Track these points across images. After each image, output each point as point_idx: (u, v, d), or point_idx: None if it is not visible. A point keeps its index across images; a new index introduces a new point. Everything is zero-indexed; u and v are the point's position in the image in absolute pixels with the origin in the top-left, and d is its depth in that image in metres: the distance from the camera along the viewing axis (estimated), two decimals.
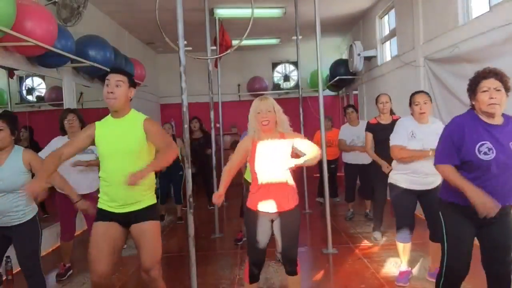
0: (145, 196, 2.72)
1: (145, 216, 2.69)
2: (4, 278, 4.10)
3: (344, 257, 4.43)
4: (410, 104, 3.49)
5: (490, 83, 2.32)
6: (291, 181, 2.88)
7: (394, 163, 3.65)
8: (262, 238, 2.84)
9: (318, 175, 6.54)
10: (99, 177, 2.74)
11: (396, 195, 3.57)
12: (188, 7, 4.04)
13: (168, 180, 6.45)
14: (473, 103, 2.42)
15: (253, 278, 2.94)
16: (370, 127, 4.75)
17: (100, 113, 4.93)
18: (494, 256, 2.45)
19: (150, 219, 2.72)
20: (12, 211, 2.98)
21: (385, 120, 4.69)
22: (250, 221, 2.87)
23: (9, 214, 2.98)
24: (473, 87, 2.40)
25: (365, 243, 4.88)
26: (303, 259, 4.67)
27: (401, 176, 3.51)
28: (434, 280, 3.47)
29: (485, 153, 2.28)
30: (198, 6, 5.60)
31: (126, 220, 2.69)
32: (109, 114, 2.74)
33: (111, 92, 2.59)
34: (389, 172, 3.79)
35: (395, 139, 3.48)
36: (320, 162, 4.78)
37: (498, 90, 2.30)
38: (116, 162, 2.61)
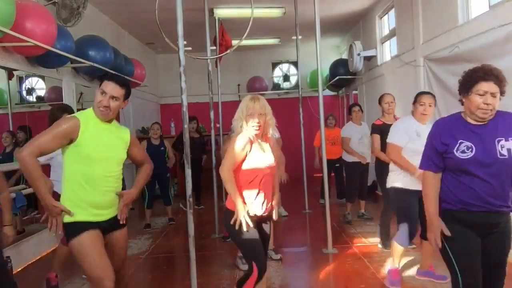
0: (117, 201, 2.65)
1: (119, 222, 2.63)
2: None
3: (344, 257, 4.42)
4: (414, 102, 3.45)
5: (488, 87, 2.13)
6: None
7: (391, 164, 3.62)
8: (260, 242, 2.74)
9: (321, 174, 6.52)
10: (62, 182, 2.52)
11: (403, 200, 3.48)
12: (188, 7, 4.03)
13: (154, 182, 6.28)
14: (463, 100, 2.24)
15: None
16: (377, 128, 4.54)
17: None
18: (486, 274, 2.21)
19: (123, 225, 2.68)
20: None
21: (390, 120, 4.54)
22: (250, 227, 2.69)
23: None
24: (468, 85, 2.20)
25: (365, 243, 4.88)
26: (303, 259, 4.68)
27: (403, 178, 3.45)
28: (423, 279, 3.57)
29: (463, 152, 2.15)
30: (198, 6, 5.60)
31: (107, 227, 2.58)
32: (90, 110, 2.55)
33: (107, 106, 2.48)
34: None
35: (394, 138, 3.46)
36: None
37: (494, 97, 2.13)
38: (106, 167, 2.52)
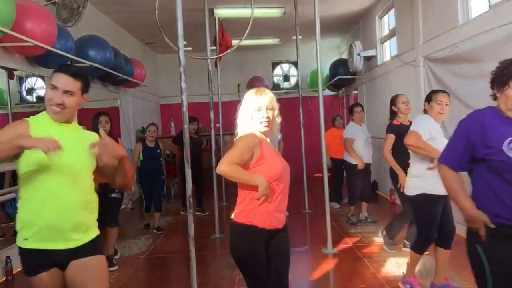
0: (93, 221, 2.11)
1: (91, 249, 2.06)
2: (4, 278, 4.10)
3: (344, 257, 4.42)
4: (430, 101, 3.30)
5: None
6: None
7: (414, 169, 3.35)
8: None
9: (329, 174, 6.47)
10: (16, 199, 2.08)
11: (434, 207, 3.22)
12: (188, 7, 4.03)
13: (150, 185, 5.95)
14: (498, 95, 1.99)
15: None
16: (394, 128, 4.24)
17: None
18: None
19: (98, 252, 2.09)
20: None
21: (406, 121, 4.31)
22: (258, 246, 2.20)
23: None
24: (504, 78, 1.94)
25: (365, 243, 4.88)
26: (303, 259, 4.68)
27: (432, 183, 3.09)
28: None
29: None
30: (198, 6, 5.60)
31: (67, 258, 2.01)
32: (43, 112, 2.08)
33: (60, 104, 1.98)
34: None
35: (418, 129, 3.23)
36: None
37: None
38: (64, 178, 1.98)
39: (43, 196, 1.96)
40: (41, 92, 6.15)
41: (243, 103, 2.33)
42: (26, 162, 1.94)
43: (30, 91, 6.04)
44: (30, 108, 6.08)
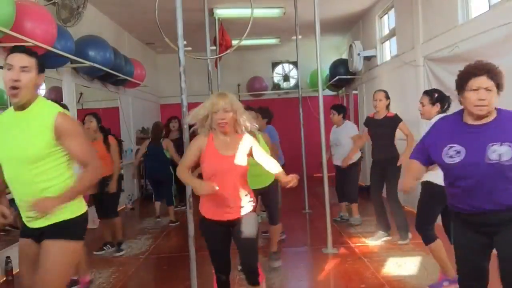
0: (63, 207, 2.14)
1: (58, 232, 2.15)
2: (4, 278, 4.10)
3: (344, 257, 4.42)
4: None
5: (480, 82, 2.06)
6: (245, 186, 2.70)
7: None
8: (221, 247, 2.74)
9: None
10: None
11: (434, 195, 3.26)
12: (188, 7, 4.03)
13: (157, 180, 6.27)
14: (461, 99, 2.19)
15: None
16: (365, 120, 5.07)
17: (100, 114, 4.96)
18: (504, 269, 2.16)
19: (62, 237, 2.15)
20: None
21: (379, 116, 4.75)
22: (208, 232, 2.71)
23: None
24: (462, 83, 2.15)
25: (365, 243, 4.87)
26: (303, 259, 4.68)
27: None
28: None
29: (450, 156, 2.13)
30: (198, 6, 5.61)
31: (37, 235, 2.19)
32: (11, 106, 2.22)
33: (17, 80, 2.05)
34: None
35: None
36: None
37: (489, 90, 2.05)
38: (14, 170, 2.13)
39: (9, 182, 2.20)
40: (41, 93, 6.15)
41: (206, 103, 2.64)
42: None
43: None
44: None
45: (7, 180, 2.19)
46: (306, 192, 6.66)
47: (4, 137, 2.15)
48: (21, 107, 2.13)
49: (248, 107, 3.66)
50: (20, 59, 2.08)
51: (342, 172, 5.69)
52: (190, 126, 2.87)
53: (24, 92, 2.08)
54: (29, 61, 2.10)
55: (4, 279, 4.10)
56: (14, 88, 2.06)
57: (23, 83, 2.06)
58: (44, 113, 2.14)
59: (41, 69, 2.17)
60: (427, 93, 3.63)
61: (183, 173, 2.63)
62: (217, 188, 2.47)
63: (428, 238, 3.35)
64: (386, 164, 4.65)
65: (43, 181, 2.13)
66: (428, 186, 3.32)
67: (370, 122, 4.87)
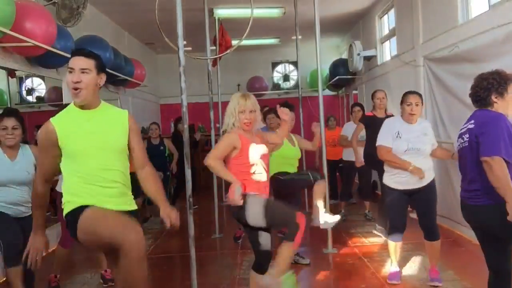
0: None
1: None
2: (4, 278, 4.10)
3: (344, 257, 4.42)
4: (402, 103, 3.50)
5: None
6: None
7: (385, 165, 3.62)
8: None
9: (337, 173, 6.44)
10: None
11: (390, 198, 3.57)
12: (188, 7, 4.03)
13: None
14: (496, 101, 2.37)
15: None
16: (364, 119, 4.99)
17: None
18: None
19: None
20: (25, 204, 3.18)
21: (380, 114, 4.80)
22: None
23: (23, 205, 3.20)
24: (502, 88, 2.34)
25: (365, 243, 4.88)
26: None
27: (392, 178, 3.51)
28: (435, 285, 3.43)
29: None
30: (198, 6, 5.60)
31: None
32: (70, 106, 2.34)
33: (78, 82, 2.20)
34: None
35: (380, 140, 3.52)
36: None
37: None
38: (100, 160, 2.26)
39: (95, 172, 2.29)
40: (41, 93, 6.16)
41: (231, 103, 2.86)
42: (65, 158, 2.30)
43: (30, 91, 6.04)
44: (30, 108, 6.08)
45: (89, 173, 2.25)
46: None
47: (83, 131, 2.25)
48: (87, 106, 2.29)
49: (270, 109, 4.28)
50: (79, 62, 2.23)
51: (360, 170, 5.72)
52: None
53: (85, 92, 2.23)
54: (87, 63, 2.24)
55: (4, 279, 4.10)
56: (75, 89, 2.22)
57: (84, 83, 2.21)
58: (117, 112, 2.41)
59: (101, 69, 2.31)
60: (417, 93, 3.60)
61: (219, 164, 2.80)
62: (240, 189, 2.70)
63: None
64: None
65: (123, 176, 2.36)
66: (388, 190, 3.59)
67: (371, 121, 4.82)
